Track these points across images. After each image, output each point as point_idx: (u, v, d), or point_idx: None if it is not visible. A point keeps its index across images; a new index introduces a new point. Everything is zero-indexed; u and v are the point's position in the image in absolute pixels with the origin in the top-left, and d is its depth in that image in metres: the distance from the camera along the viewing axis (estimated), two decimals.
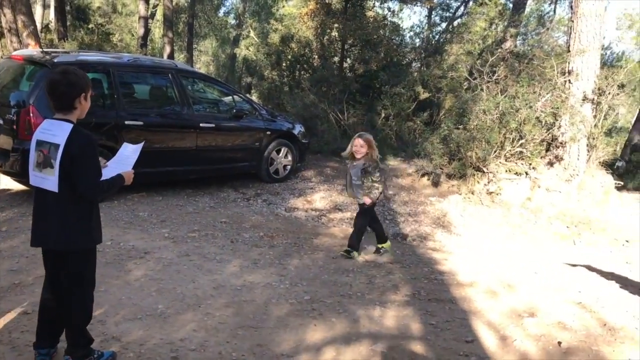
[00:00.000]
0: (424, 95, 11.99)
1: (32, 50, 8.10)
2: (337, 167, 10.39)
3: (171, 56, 20.02)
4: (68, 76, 2.99)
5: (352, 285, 4.82)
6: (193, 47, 25.86)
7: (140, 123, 7.34)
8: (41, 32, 19.63)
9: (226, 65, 28.46)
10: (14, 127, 6.45)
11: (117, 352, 3.42)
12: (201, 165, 8.13)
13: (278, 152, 9.00)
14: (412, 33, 16.99)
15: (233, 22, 29.00)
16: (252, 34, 18.52)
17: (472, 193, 8.84)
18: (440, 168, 9.22)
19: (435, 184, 9.33)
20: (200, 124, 7.87)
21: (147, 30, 23.41)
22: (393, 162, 11.02)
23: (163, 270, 4.96)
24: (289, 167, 9.23)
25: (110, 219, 6.43)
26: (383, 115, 12.17)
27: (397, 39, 14.27)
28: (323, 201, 8.54)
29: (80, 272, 3.17)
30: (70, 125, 2.96)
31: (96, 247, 3.23)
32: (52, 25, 20.90)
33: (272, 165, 8.98)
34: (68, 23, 21.17)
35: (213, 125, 8.05)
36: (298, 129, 9.45)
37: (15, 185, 7.23)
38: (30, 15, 13.08)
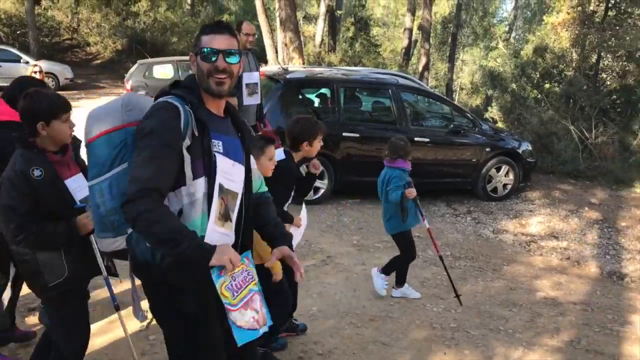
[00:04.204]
0: None
1: (274, 66, 9.29)
2: (569, 191, 9.55)
3: (426, 67, 20.47)
4: (294, 124, 3.58)
5: (509, 321, 4.54)
6: (455, 57, 25.97)
7: (357, 135, 7.86)
8: (320, 46, 21.90)
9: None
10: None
11: None
12: (413, 177, 8.31)
13: (498, 169, 8.68)
14: None
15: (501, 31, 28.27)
16: (500, 45, 17.85)
17: None
18: None
19: None
20: (415, 138, 8.05)
21: (411, 42, 24.24)
22: None
23: (335, 275, 5.34)
24: (509, 186, 8.81)
25: (316, 221, 7.06)
26: None
27: None
28: (539, 226, 7.99)
29: None
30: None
31: None
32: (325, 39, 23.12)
33: (490, 183, 8.70)
34: (339, 36, 23.22)
35: (428, 139, 8.17)
36: (524, 147, 8.97)
37: None
38: (296, 32, 14.83)
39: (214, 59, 2.03)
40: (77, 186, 2.69)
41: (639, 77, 11.48)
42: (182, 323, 2.11)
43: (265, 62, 18.62)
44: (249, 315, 1.94)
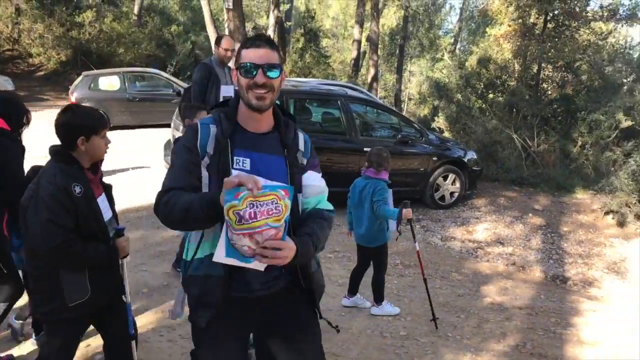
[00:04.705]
0: (625, 123, 10.69)
1: None
2: (514, 198, 9.85)
3: (375, 78, 20.76)
4: None
5: (457, 327, 4.65)
6: (403, 68, 26.44)
7: None
8: None
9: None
10: None
11: None
12: None
13: (445, 178, 8.88)
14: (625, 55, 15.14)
15: (447, 43, 29.00)
16: (445, 56, 18.35)
17: None
18: (628, 206, 8.18)
19: (621, 224, 8.30)
20: (364, 148, 8.16)
21: (360, 53, 24.51)
22: (582, 195, 10.06)
23: None
24: (456, 194, 9.03)
25: None
26: (579, 143, 11.18)
27: (604, 61, 12.96)
28: (485, 233, 8.21)
29: None
30: None
31: None
32: None
33: (438, 192, 8.89)
34: (289, 47, 23.25)
35: None
36: (470, 155, 9.22)
37: None
38: None
39: (253, 73, 2.00)
40: (104, 207, 2.66)
41: (578, 87, 12.00)
42: (197, 333, 2.20)
43: None
44: (245, 243, 1.78)
